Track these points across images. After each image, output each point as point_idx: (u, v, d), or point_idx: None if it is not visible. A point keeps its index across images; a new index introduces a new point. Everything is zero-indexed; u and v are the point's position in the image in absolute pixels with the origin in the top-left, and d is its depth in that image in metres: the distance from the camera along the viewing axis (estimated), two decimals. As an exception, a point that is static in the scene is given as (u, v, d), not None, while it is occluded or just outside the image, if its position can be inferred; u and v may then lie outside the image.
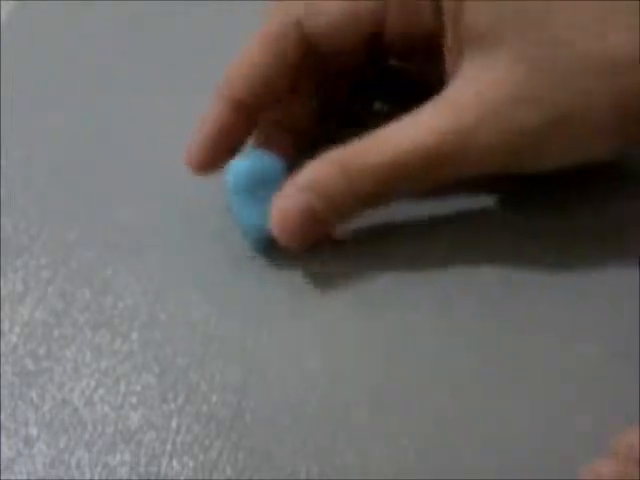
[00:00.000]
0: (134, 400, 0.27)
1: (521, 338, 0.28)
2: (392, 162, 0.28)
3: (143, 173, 0.33)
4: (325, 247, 0.30)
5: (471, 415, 0.26)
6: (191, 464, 0.26)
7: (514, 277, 0.29)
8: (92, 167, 0.34)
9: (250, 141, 0.32)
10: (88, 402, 0.27)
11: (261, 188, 0.29)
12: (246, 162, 0.30)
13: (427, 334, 0.28)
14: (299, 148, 0.32)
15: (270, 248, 0.30)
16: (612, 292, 0.29)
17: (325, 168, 0.28)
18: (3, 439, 0.26)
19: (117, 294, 0.30)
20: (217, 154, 0.31)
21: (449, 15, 0.29)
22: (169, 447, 0.26)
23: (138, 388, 0.27)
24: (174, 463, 0.26)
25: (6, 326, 0.29)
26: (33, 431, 0.27)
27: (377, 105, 0.35)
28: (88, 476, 0.26)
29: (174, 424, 0.27)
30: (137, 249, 0.31)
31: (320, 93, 0.33)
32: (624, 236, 0.30)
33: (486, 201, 0.31)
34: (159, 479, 0.26)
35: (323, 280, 0.30)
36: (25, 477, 0.26)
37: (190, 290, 0.30)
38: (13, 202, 0.33)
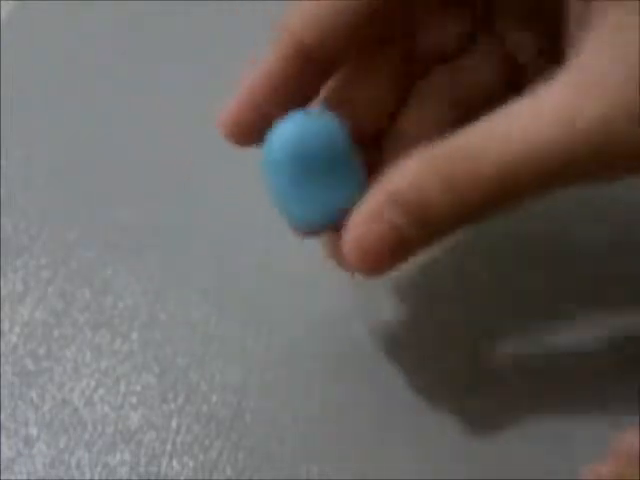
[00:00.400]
0: (134, 400, 0.27)
1: (521, 338, 0.28)
2: (508, 168, 0.20)
3: (143, 173, 0.33)
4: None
5: (471, 415, 0.26)
6: (191, 464, 0.26)
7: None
8: (92, 167, 0.33)
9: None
10: (88, 402, 0.27)
11: (314, 164, 0.22)
12: (294, 126, 0.22)
13: (426, 331, 0.28)
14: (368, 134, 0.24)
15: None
16: (612, 289, 0.29)
17: (421, 176, 0.21)
18: (3, 439, 0.26)
19: (117, 294, 0.30)
20: (264, 117, 0.22)
21: None
22: (169, 447, 0.26)
23: (138, 388, 0.27)
24: (174, 463, 0.26)
25: (6, 326, 0.29)
26: (33, 431, 0.27)
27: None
28: (88, 476, 0.26)
29: (174, 424, 0.27)
30: (137, 249, 0.31)
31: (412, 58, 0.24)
32: None
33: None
34: (159, 479, 0.26)
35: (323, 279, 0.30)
36: (25, 477, 0.26)
37: (190, 290, 0.30)
38: (13, 202, 0.32)
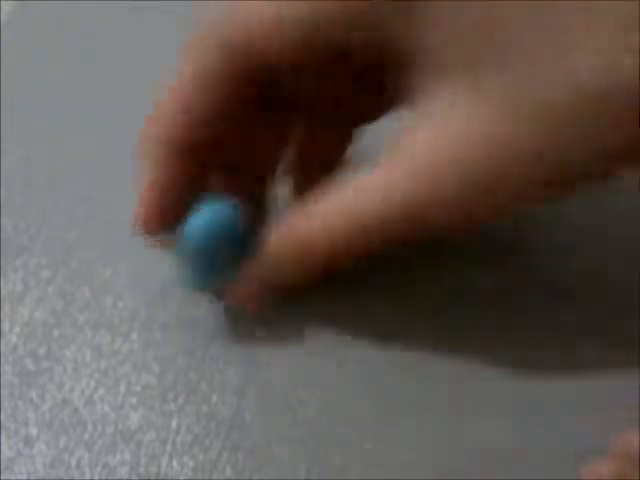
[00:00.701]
0: (134, 400, 0.27)
1: (521, 338, 0.28)
2: (335, 236, 0.25)
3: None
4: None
5: (471, 415, 0.26)
6: (191, 464, 0.26)
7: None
8: (92, 167, 0.33)
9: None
10: (88, 402, 0.27)
11: (212, 256, 0.27)
12: (199, 221, 0.26)
13: (426, 332, 0.28)
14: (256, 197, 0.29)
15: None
16: (612, 292, 0.29)
17: (277, 238, 0.26)
18: (3, 439, 0.26)
19: (117, 294, 0.30)
20: (174, 213, 0.27)
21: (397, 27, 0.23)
22: (169, 447, 0.26)
23: (138, 388, 0.27)
24: (174, 463, 0.26)
25: (6, 326, 0.29)
26: (33, 431, 0.27)
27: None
28: (88, 476, 0.26)
29: (174, 424, 0.27)
30: (137, 249, 0.31)
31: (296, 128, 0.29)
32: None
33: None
34: (159, 479, 0.26)
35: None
36: (25, 477, 0.26)
37: (190, 290, 0.30)
38: (13, 202, 0.33)
